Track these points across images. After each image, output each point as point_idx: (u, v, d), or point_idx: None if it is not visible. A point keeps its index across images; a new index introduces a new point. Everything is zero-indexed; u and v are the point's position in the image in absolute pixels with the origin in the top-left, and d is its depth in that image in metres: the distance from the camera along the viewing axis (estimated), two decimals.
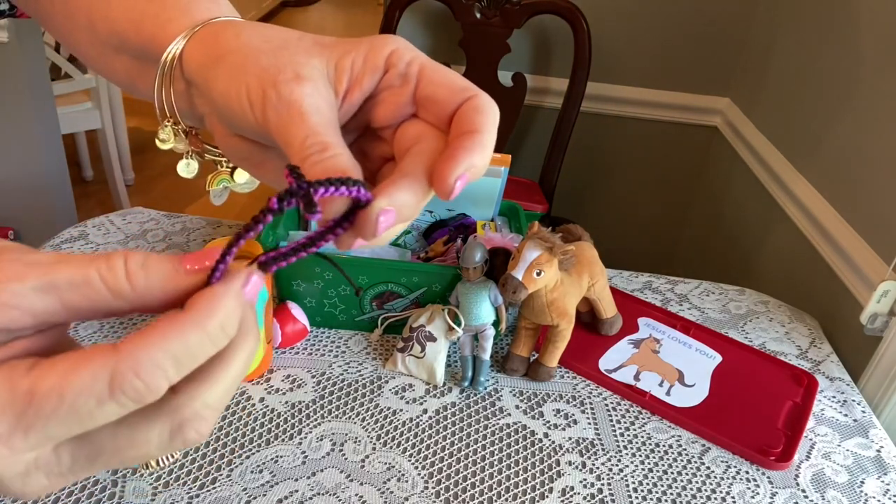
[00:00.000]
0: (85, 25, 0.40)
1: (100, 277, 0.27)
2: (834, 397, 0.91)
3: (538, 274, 0.76)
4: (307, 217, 0.28)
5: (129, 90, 0.41)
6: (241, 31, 0.35)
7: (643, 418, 0.83)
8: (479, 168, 0.31)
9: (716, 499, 0.73)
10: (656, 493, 0.73)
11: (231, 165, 0.42)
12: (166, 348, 0.25)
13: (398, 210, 0.29)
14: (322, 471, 0.71)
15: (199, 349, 0.26)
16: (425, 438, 0.76)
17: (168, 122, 0.38)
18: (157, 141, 0.39)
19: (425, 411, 0.80)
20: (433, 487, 0.71)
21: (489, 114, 0.31)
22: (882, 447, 0.83)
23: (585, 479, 0.74)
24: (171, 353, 0.25)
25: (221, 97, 0.33)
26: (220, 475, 0.69)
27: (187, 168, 0.41)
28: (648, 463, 0.77)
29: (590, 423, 0.81)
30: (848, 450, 0.82)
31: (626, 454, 0.77)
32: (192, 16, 0.36)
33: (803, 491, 0.75)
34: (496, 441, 0.77)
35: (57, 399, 0.24)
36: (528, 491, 0.72)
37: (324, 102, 0.32)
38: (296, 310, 0.86)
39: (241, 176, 0.42)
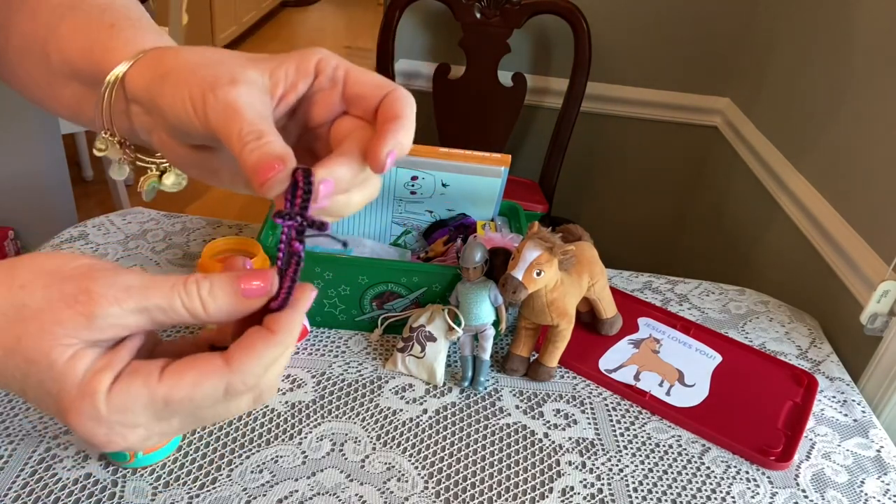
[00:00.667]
0: (39, 56, 0.45)
1: (182, 305, 0.34)
2: (834, 397, 0.91)
3: (538, 274, 0.76)
4: (318, 232, 0.35)
5: (72, 117, 0.46)
6: (180, 52, 0.39)
7: (643, 418, 0.83)
8: (405, 146, 0.36)
9: (716, 499, 0.73)
10: (656, 493, 0.73)
11: (160, 170, 0.46)
12: (263, 362, 0.34)
13: (336, 181, 0.35)
14: (322, 471, 0.71)
15: (283, 358, 0.36)
16: (425, 438, 0.76)
17: (105, 133, 0.43)
18: (94, 150, 0.44)
19: (425, 411, 0.80)
20: (433, 487, 0.71)
21: (408, 103, 0.37)
22: (882, 447, 0.83)
23: (585, 479, 0.74)
24: (266, 364, 0.35)
25: (169, 108, 0.37)
26: (220, 475, 0.69)
27: (119, 171, 0.45)
28: (648, 463, 0.77)
29: (590, 423, 0.81)
30: (848, 450, 0.82)
31: (626, 454, 0.77)
32: (137, 45, 0.41)
33: (803, 491, 0.76)
34: (496, 441, 0.77)
35: (187, 403, 0.34)
36: (528, 491, 0.72)
37: (257, 100, 0.36)
38: None
39: (169, 178, 0.47)
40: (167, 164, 0.46)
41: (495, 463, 0.74)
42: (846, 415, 0.88)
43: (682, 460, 0.78)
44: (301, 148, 0.36)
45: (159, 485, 0.68)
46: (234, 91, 0.36)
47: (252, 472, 0.70)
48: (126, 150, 0.44)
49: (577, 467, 0.75)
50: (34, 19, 0.46)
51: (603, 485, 0.73)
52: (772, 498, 0.74)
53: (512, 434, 0.78)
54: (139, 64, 0.40)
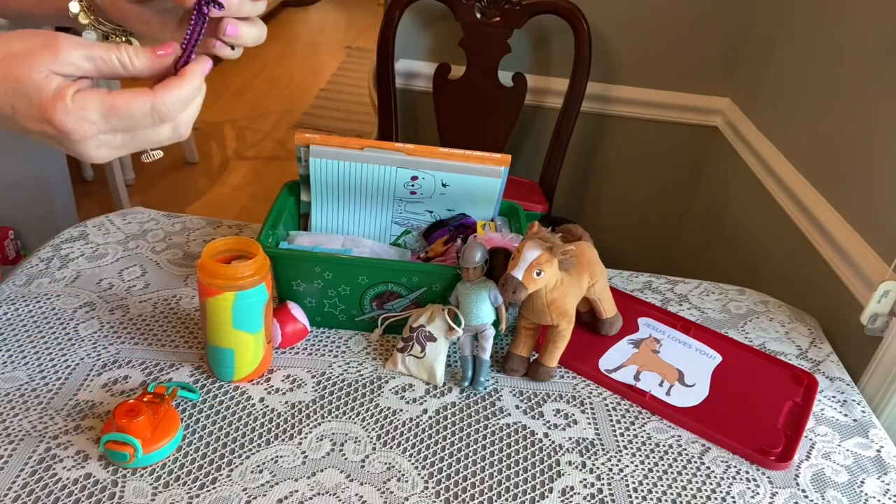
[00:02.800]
0: None
1: (116, 58, 0.51)
2: (834, 397, 0.91)
3: (538, 274, 0.76)
4: (210, 8, 0.54)
5: (38, 9, 0.63)
6: None
7: (643, 418, 0.83)
8: None
9: (716, 499, 0.73)
10: (656, 493, 0.73)
11: (122, 39, 0.62)
12: (177, 94, 0.51)
13: (227, 2, 0.54)
14: (322, 471, 0.71)
15: (191, 95, 0.52)
16: (425, 438, 0.76)
17: (80, 1, 0.60)
18: (69, 13, 0.60)
19: (425, 411, 0.80)
20: (433, 487, 0.71)
21: None
22: (882, 447, 0.83)
23: (585, 479, 0.74)
24: (180, 97, 0.51)
25: None
26: (220, 475, 0.69)
27: (88, 35, 0.61)
28: (648, 463, 0.77)
29: (590, 423, 0.81)
30: (848, 450, 0.82)
31: (626, 454, 0.77)
32: None
33: (803, 491, 0.76)
34: (496, 441, 0.77)
35: (125, 110, 0.50)
36: (528, 491, 0.72)
37: None
38: (296, 310, 0.86)
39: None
40: (126, 36, 0.62)
41: (495, 463, 0.74)
42: (846, 415, 0.88)
43: (682, 460, 0.78)
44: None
45: (159, 485, 0.68)
46: None
47: (252, 472, 0.70)
48: (94, 13, 0.61)
49: (577, 467, 0.75)
50: None
51: (603, 485, 0.73)
52: (772, 498, 0.74)
53: (512, 434, 0.78)
54: None
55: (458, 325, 0.81)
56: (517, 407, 0.82)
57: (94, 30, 0.61)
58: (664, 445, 0.79)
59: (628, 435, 0.80)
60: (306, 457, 0.73)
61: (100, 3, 0.59)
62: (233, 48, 0.58)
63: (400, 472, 0.72)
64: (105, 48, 0.50)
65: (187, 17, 0.56)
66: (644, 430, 0.81)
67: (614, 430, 0.81)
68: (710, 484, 0.75)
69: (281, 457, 0.72)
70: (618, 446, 0.78)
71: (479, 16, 1.56)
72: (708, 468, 0.77)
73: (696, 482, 0.75)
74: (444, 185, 0.92)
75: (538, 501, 0.71)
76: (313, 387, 0.81)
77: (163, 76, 0.53)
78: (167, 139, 0.53)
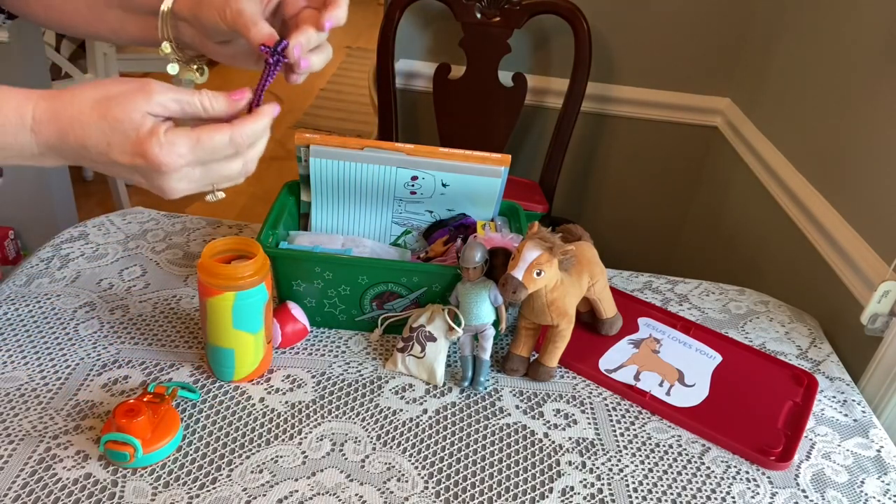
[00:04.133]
0: None
1: (199, 102, 0.58)
2: (834, 397, 0.91)
3: (538, 274, 0.76)
4: (277, 63, 0.62)
5: (112, 35, 0.73)
6: None
7: (643, 418, 0.83)
8: (340, 18, 0.63)
9: (716, 499, 0.73)
10: (656, 493, 0.73)
11: (196, 67, 0.71)
12: (252, 128, 0.58)
13: (302, 44, 0.62)
14: (322, 471, 0.71)
15: (261, 132, 0.60)
16: (425, 438, 0.76)
17: (168, 42, 0.68)
18: (160, 51, 0.69)
19: (425, 411, 0.80)
20: (433, 487, 0.71)
21: None
22: (882, 447, 0.83)
23: (585, 479, 0.74)
24: (254, 131, 0.59)
25: (208, 20, 0.64)
26: (220, 475, 0.69)
27: (172, 67, 0.70)
28: (648, 463, 0.77)
29: (590, 423, 0.81)
30: (848, 450, 0.82)
31: (626, 454, 0.77)
32: None
33: (803, 491, 0.76)
34: (496, 441, 0.77)
35: (209, 141, 0.56)
36: (528, 491, 0.72)
37: (254, 6, 0.62)
38: (296, 310, 0.86)
39: (204, 75, 0.72)
40: (199, 66, 0.71)
41: (495, 463, 0.74)
42: (846, 415, 0.88)
43: (682, 460, 0.78)
44: (279, 34, 0.62)
45: (159, 485, 0.68)
46: (239, 3, 0.61)
47: (252, 472, 0.70)
48: (178, 52, 0.69)
49: (577, 467, 0.75)
50: None
51: (603, 485, 0.73)
52: (772, 498, 0.74)
53: (512, 434, 0.78)
54: None
55: (458, 325, 0.81)
56: (517, 407, 0.82)
57: (177, 62, 0.70)
58: (664, 445, 0.79)
59: (628, 435, 0.80)
60: (306, 457, 0.73)
61: (189, 42, 0.69)
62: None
63: (400, 472, 0.72)
64: (189, 93, 0.58)
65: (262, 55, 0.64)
66: (644, 430, 0.81)
67: (614, 430, 0.81)
68: (710, 484, 0.75)
69: (281, 457, 0.72)
70: (618, 446, 0.78)
71: (479, 16, 1.56)
72: (708, 468, 0.77)
73: (696, 482, 0.75)
74: (444, 185, 0.92)
75: (538, 501, 0.71)
76: (313, 387, 0.81)
77: (234, 117, 0.60)
78: (237, 174, 0.60)
